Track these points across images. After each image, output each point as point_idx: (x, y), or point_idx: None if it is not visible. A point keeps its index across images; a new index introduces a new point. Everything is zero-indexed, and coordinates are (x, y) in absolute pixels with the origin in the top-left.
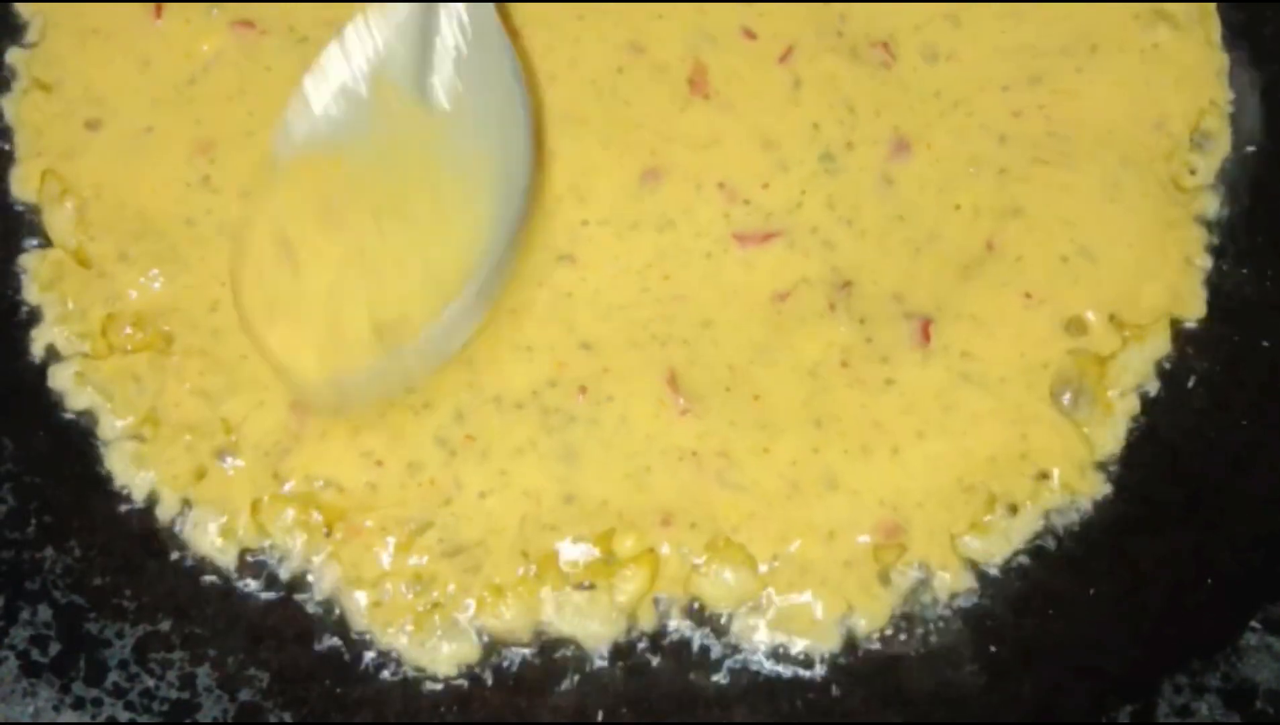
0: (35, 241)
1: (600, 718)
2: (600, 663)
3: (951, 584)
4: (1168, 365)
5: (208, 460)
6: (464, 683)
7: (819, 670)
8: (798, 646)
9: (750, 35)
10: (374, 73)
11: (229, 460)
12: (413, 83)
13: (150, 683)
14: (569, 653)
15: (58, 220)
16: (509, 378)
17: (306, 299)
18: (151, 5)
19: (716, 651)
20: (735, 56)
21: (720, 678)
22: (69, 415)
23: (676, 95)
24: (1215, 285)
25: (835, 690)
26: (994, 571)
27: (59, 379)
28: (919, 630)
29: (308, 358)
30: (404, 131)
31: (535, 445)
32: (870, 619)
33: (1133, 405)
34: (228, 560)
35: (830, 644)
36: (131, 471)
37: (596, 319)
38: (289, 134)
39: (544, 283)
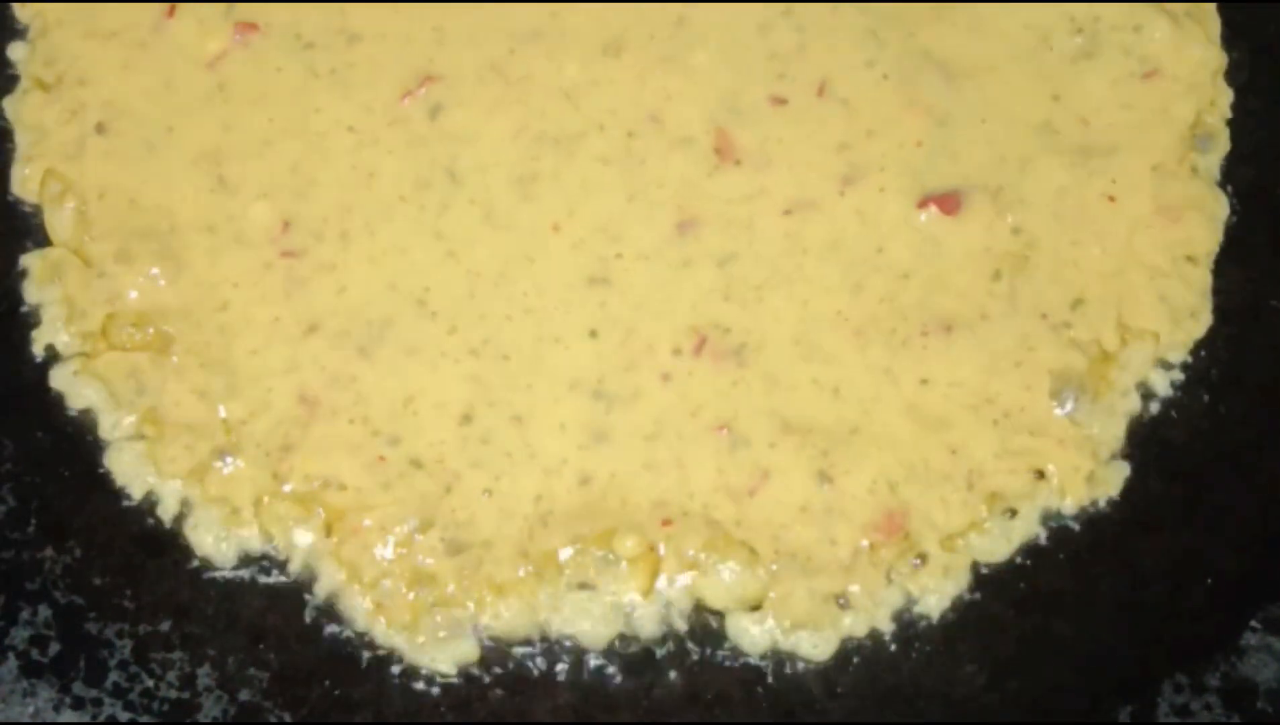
0: (36, 241)
1: (600, 718)
2: (600, 662)
3: (952, 584)
4: (1168, 365)
5: (208, 460)
6: (464, 683)
7: (819, 670)
8: (798, 646)
9: (780, 101)
10: None
11: (229, 460)
12: None
13: (150, 683)
14: (569, 653)
15: (58, 220)
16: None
17: None
18: (164, 5)
19: (717, 651)
20: (765, 121)
21: (720, 677)
22: (69, 415)
23: (703, 162)
24: (1216, 285)
25: (835, 690)
26: (994, 571)
27: (59, 379)
28: (919, 630)
29: None
30: None
31: (555, 422)
32: (870, 618)
33: (1133, 405)
34: (228, 560)
35: (830, 644)
36: (131, 471)
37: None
38: None
39: (572, 302)
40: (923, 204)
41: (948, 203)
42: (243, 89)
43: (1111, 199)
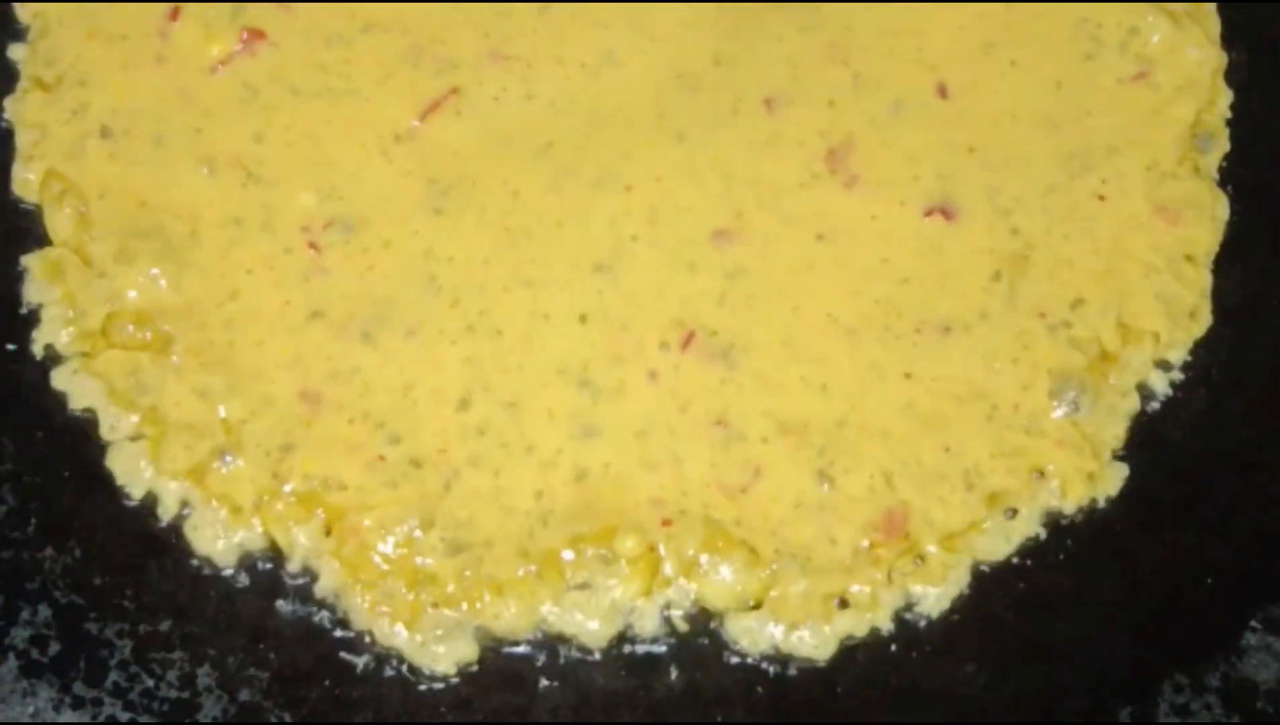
0: (36, 241)
1: (600, 718)
2: (600, 662)
3: (952, 584)
4: (1168, 365)
5: (208, 460)
6: (464, 683)
7: (819, 670)
8: (798, 646)
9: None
10: None
11: (229, 460)
12: None
13: (150, 683)
14: (569, 653)
15: (58, 220)
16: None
17: None
18: (167, 6)
19: (716, 651)
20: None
21: (720, 677)
22: (69, 415)
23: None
24: (1215, 285)
25: (835, 690)
26: (994, 571)
27: (60, 379)
28: (919, 630)
29: None
30: None
31: (551, 419)
32: (870, 618)
33: (1133, 405)
34: (228, 560)
35: (830, 643)
36: (131, 471)
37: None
38: None
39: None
40: (928, 212)
41: (948, 211)
42: (248, 93)
43: (1101, 198)
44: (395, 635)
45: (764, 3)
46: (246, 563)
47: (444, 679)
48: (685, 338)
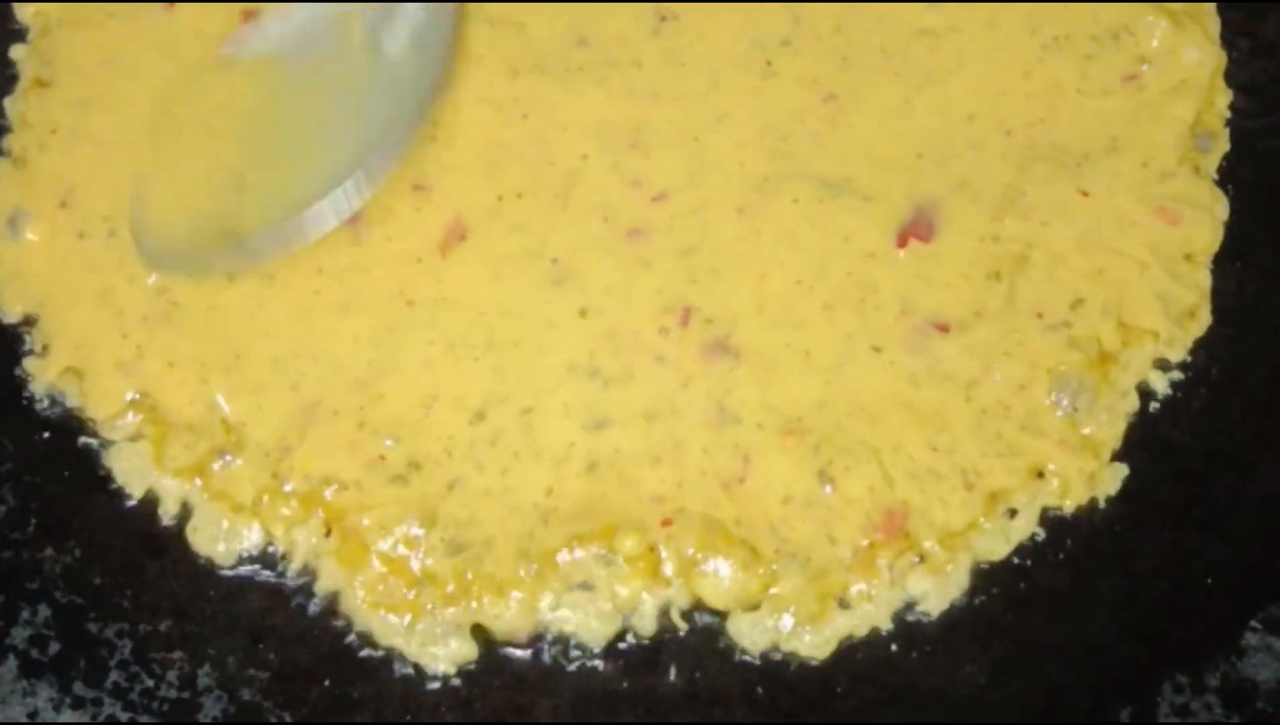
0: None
1: (600, 718)
2: (600, 662)
3: (951, 583)
4: (1168, 365)
5: (208, 459)
6: (464, 683)
7: (819, 670)
8: (798, 645)
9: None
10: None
11: (229, 460)
12: (370, 30)
13: (150, 683)
14: (569, 652)
15: None
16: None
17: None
18: (166, 6)
19: (716, 651)
20: None
21: (720, 677)
22: (69, 415)
23: None
24: (1216, 285)
25: (835, 690)
26: (993, 571)
27: (60, 379)
28: (919, 630)
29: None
30: (342, 64)
31: (563, 407)
32: (871, 618)
33: (1132, 404)
34: (228, 560)
35: (830, 643)
36: (131, 471)
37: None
38: (248, 40)
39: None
40: (901, 240)
41: (921, 229)
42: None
43: (1084, 194)
44: (395, 635)
45: None
46: (246, 563)
47: (444, 679)
48: (683, 316)
